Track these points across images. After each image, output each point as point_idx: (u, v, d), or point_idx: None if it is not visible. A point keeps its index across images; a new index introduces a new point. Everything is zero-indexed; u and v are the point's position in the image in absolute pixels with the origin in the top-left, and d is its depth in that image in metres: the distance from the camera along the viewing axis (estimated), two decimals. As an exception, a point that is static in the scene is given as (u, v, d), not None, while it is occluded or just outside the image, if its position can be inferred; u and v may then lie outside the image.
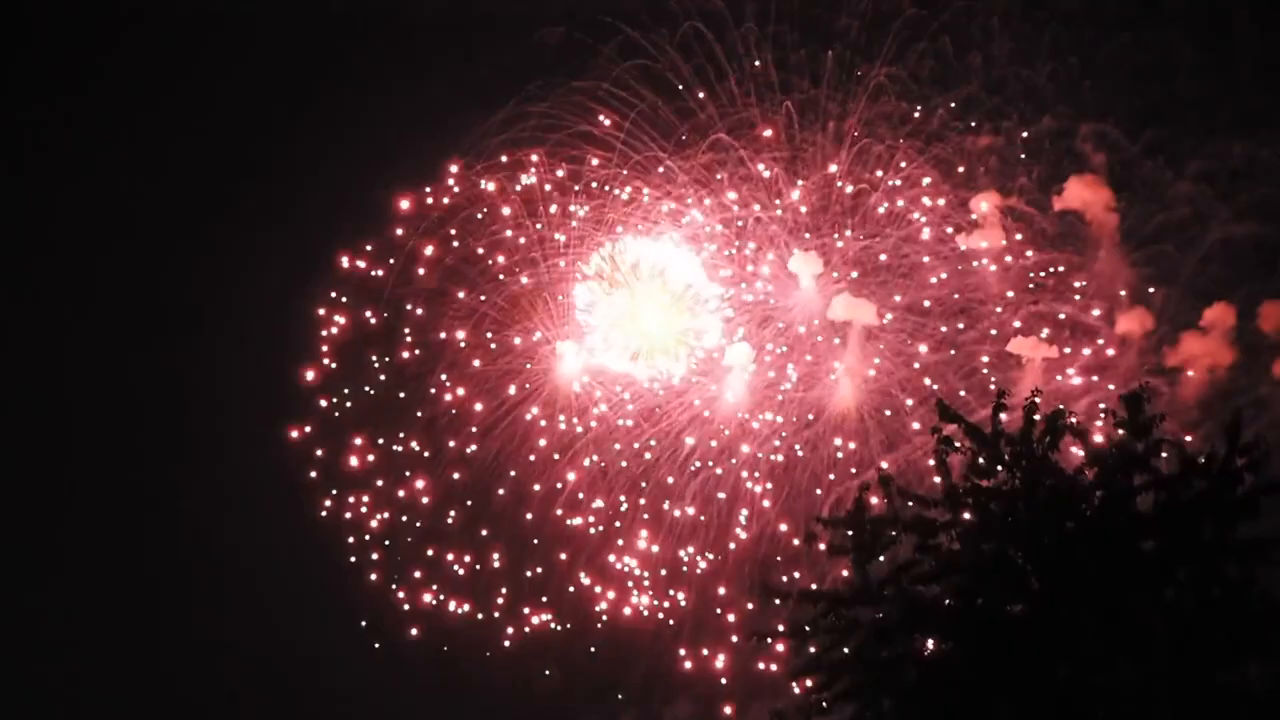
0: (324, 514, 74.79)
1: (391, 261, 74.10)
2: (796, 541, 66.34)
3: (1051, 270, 70.19)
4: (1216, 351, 66.48)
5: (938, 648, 29.35)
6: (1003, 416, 30.82)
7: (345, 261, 74.85)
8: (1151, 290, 68.72)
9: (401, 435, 74.83)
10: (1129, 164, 69.20)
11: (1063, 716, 27.77)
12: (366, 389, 75.35)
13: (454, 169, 74.54)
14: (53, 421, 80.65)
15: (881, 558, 30.47)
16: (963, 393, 67.47)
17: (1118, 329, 68.20)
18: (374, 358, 75.23)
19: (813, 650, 30.08)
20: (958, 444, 30.52)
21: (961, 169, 71.37)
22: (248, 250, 78.29)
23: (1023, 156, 70.91)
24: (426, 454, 74.46)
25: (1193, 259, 67.96)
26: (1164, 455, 30.01)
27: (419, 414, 74.65)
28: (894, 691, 29.07)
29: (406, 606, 74.25)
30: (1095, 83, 70.35)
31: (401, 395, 74.84)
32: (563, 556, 72.95)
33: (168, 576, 77.60)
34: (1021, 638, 28.57)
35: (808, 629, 29.93)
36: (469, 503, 74.49)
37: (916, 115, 71.74)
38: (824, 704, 29.42)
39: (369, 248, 75.23)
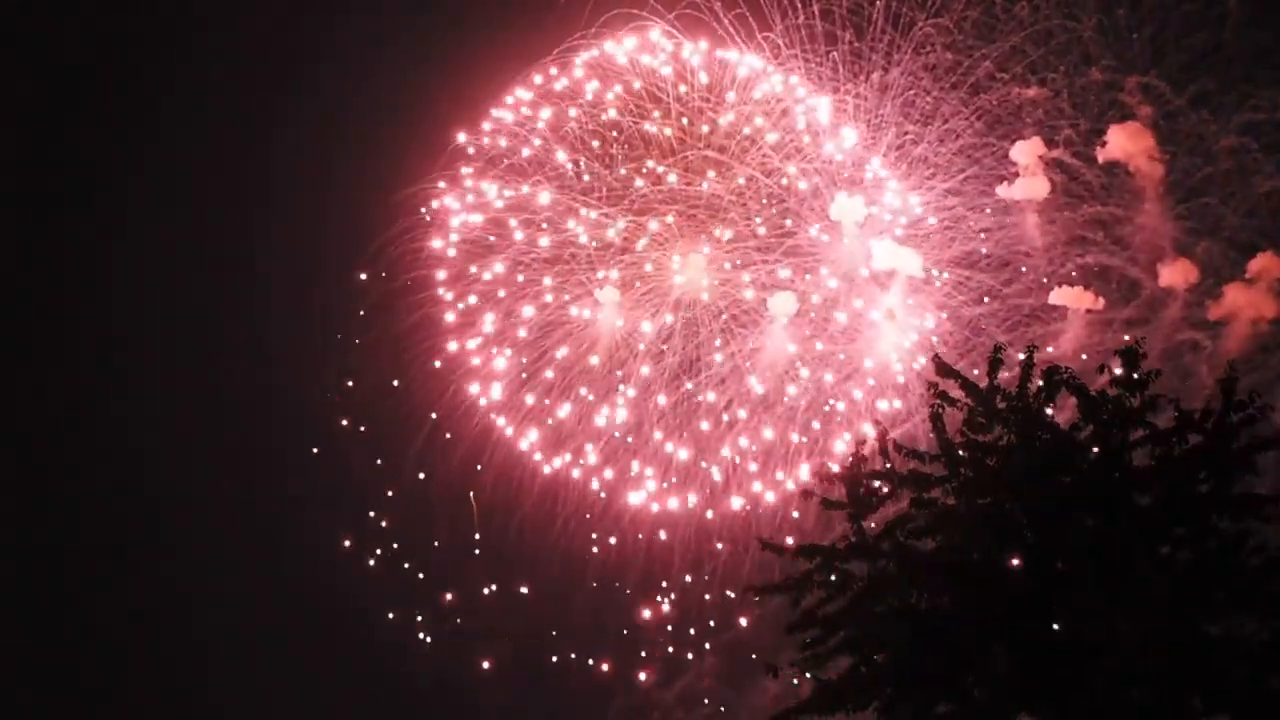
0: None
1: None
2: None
3: (1095, 222, 69.76)
4: (1261, 303, 65.95)
5: (933, 601, 29.47)
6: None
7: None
8: (1195, 243, 68.17)
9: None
10: (1174, 116, 68.63)
11: (1058, 669, 27.88)
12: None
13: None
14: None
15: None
16: (1007, 346, 67.09)
17: (1161, 281, 67.77)
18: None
19: (809, 604, 30.24)
20: (955, 399, 30.69)
21: (1007, 121, 70.91)
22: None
23: (1065, 108, 70.32)
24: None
25: (1238, 211, 67.46)
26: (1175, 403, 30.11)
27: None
28: (889, 645, 29.24)
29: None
30: (1142, 34, 69.68)
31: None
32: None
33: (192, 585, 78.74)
34: (1017, 591, 28.72)
35: (803, 583, 30.09)
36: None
37: (963, 67, 71.23)
38: (819, 657, 29.62)
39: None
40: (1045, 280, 69.59)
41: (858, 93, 71.28)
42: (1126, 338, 31.12)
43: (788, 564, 30.69)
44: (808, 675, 29.73)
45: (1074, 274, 69.20)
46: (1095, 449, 29.45)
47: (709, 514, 71.87)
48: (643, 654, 75.73)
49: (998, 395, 30.26)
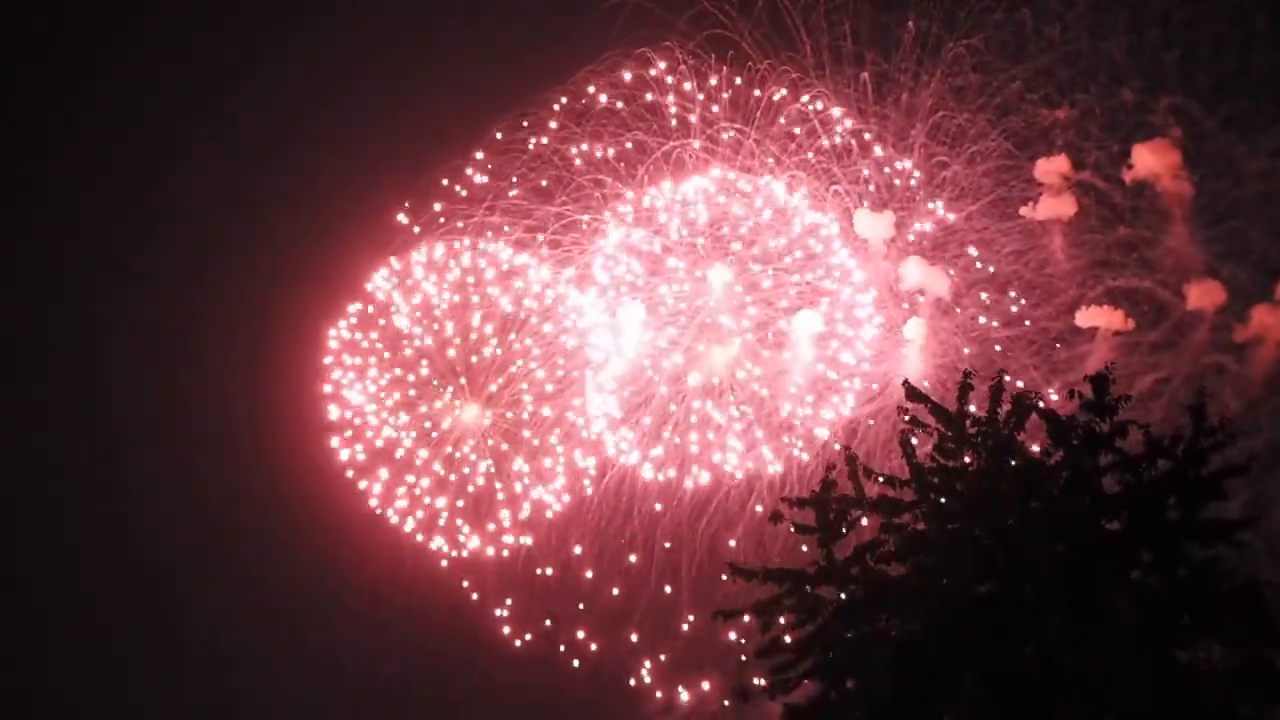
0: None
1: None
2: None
3: (1124, 244, 69.35)
4: (1290, 323, 65.57)
5: (903, 627, 29.44)
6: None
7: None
8: (1223, 266, 67.69)
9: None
10: (1204, 138, 68.17)
11: (1028, 695, 27.82)
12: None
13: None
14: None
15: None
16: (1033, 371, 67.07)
17: (1189, 304, 67.31)
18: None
19: (778, 629, 30.27)
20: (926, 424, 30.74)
21: (1035, 143, 70.63)
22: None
23: (1093, 129, 69.98)
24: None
25: (1266, 234, 67.00)
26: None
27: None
28: (858, 670, 29.24)
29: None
30: (1172, 55, 69.25)
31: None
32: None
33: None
34: (987, 617, 28.67)
35: (773, 608, 30.12)
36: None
37: (991, 88, 70.94)
38: (788, 683, 29.62)
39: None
40: (1072, 304, 69.20)
41: (884, 114, 71.19)
42: (1103, 370, 30.54)
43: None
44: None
45: (1102, 297, 68.77)
46: (1065, 474, 29.40)
47: (725, 704, 65.06)
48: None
49: (968, 420, 30.27)
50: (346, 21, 78.04)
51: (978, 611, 28.80)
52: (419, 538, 70.11)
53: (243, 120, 78.38)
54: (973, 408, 31.37)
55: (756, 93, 70.71)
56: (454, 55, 74.78)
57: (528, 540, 69.48)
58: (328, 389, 71.45)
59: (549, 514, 69.45)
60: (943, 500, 29.84)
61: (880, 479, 30.69)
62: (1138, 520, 28.97)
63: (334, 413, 71.42)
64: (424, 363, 70.58)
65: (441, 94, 72.81)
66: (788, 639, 30.11)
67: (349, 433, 71.21)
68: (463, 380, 68.96)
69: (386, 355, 71.07)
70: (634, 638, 68.84)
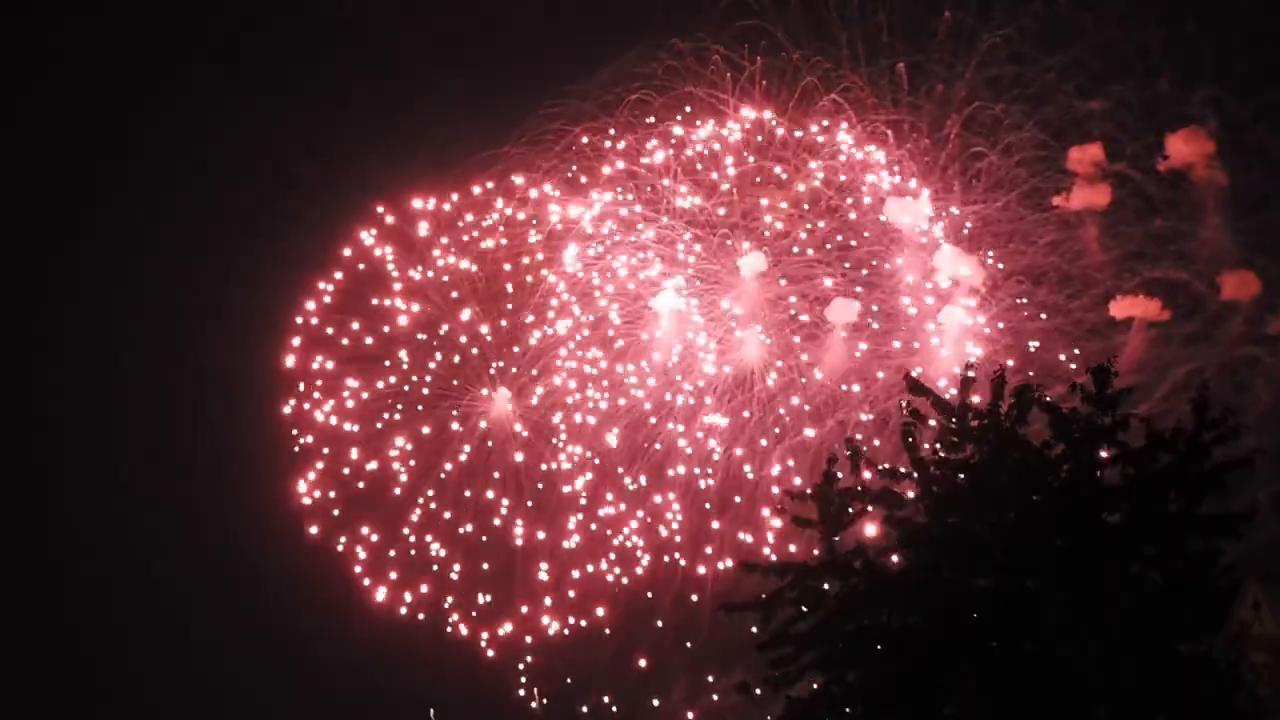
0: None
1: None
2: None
3: (1158, 235, 69.18)
4: (1321, 314, 65.39)
5: (903, 619, 29.48)
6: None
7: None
8: (1257, 258, 67.44)
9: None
10: (1238, 129, 67.94)
11: (1027, 688, 27.85)
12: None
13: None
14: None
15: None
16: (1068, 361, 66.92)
17: (1224, 294, 67.12)
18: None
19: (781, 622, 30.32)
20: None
21: (1070, 134, 70.50)
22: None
23: (1128, 120, 69.78)
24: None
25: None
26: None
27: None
28: (860, 663, 29.31)
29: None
30: (1208, 46, 69.04)
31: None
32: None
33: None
34: (987, 609, 28.71)
35: (775, 601, 30.18)
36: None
37: (1025, 79, 70.81)
38: (791, 675, 29.70)
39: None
40: (1108, 294, 69.03)
41: (919, 105, 71.15)
42: (1105, 359, 30.51)
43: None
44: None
45: (1137, 287, 68.63)
46: (1066, 467, 29.39)
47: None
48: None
49: (970, 413, 30.27)
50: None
51: (978, 604, 28.85)
52: (420, 616, 64.08)
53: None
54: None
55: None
56: (476, 45, 74.32)
57: (582, 622, 63.52)
58: (289, 407, 63.22)
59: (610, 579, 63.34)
60: (944, 493, 29.84)
61: (882, 471, 30.70)
62: (1138, 513, 28.92)
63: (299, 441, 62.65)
64: (430, 362, 62.77)
65: (461, 86, 72.05)
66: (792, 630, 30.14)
67: (318, 469, 62.97)
68: (484, 391, 61.40)
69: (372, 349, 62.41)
70: (655, 702, 65.76)
